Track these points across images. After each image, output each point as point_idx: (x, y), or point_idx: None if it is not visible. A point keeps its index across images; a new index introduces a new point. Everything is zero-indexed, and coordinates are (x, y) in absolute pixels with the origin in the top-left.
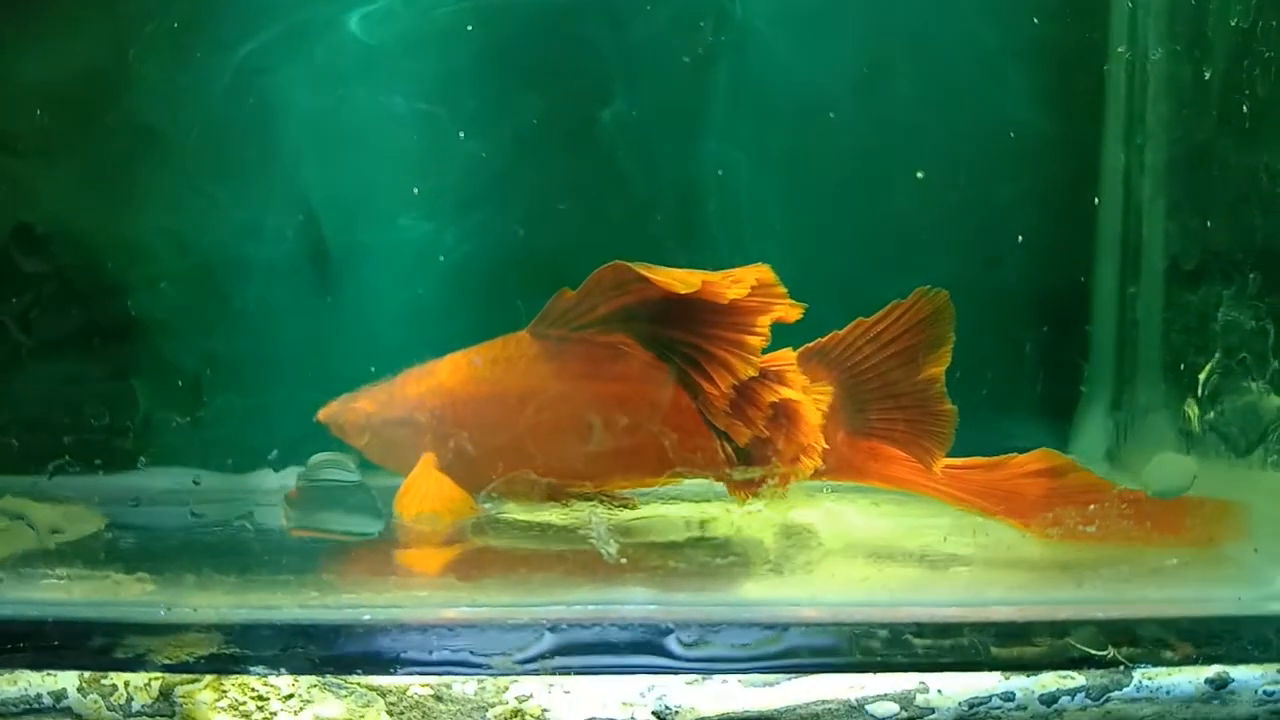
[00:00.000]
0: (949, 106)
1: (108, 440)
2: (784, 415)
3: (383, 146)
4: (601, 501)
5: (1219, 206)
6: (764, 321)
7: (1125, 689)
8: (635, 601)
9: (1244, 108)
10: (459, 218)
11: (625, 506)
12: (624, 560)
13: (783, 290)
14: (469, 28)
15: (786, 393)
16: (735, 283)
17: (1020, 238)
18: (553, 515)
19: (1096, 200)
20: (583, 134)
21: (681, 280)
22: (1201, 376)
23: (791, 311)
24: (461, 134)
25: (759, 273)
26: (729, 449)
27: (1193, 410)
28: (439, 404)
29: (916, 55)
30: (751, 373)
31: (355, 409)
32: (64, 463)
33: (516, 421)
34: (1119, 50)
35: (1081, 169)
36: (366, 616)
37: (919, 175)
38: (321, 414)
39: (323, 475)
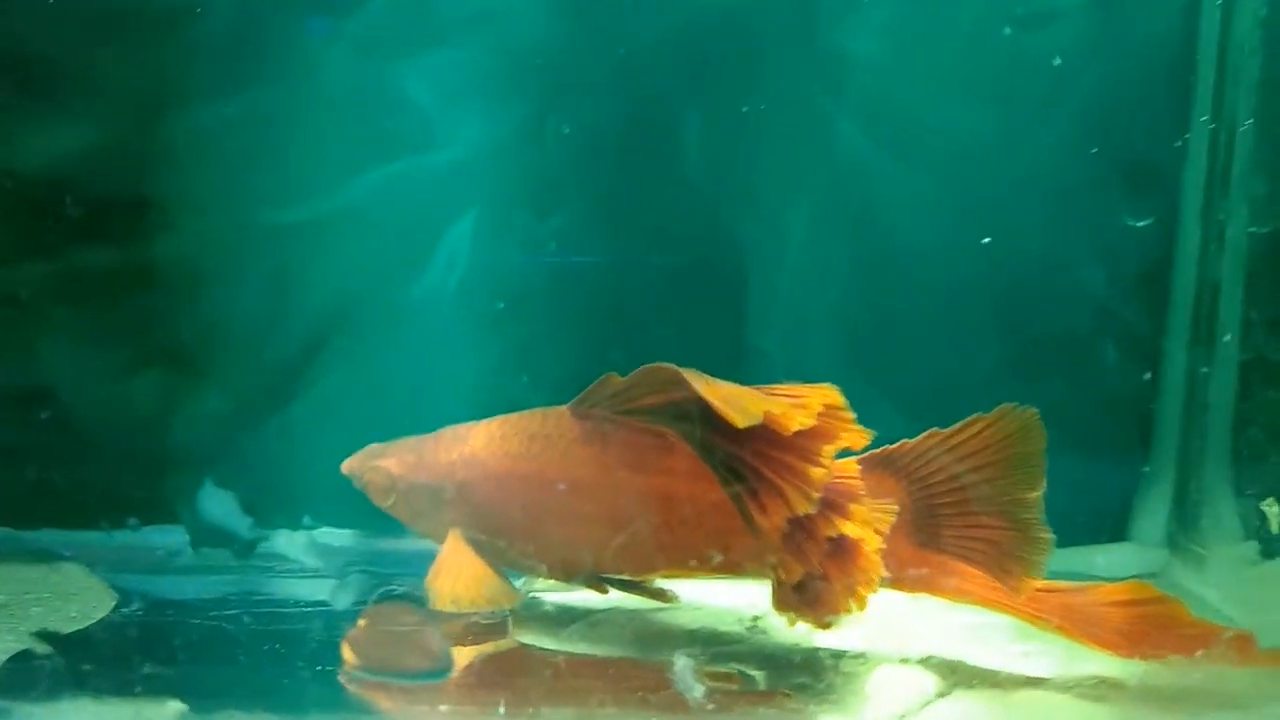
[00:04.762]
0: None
1: None
2: (842, 549)
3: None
4: (639, 592)
5: None
6: (829, 450)
7: None
8: None
9: None
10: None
11: (664, 600)
12: (711, 706)
13: (850, 415)
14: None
15: (847, 528)
16: (801, 409)
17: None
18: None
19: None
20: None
21: (742, 410)
22: None
23: (859, 438)
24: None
25: (826, 395)
26: (778, 580)
27: (1273, 509)
28: (470, 476)
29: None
30: (810, 509)
31: (380, 468)
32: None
33: (551, 504)
34: (1202, 119)
35: (1154, 241)
36: None
37: (985, 241)
38: (345, 466)
39: (388, 618)
